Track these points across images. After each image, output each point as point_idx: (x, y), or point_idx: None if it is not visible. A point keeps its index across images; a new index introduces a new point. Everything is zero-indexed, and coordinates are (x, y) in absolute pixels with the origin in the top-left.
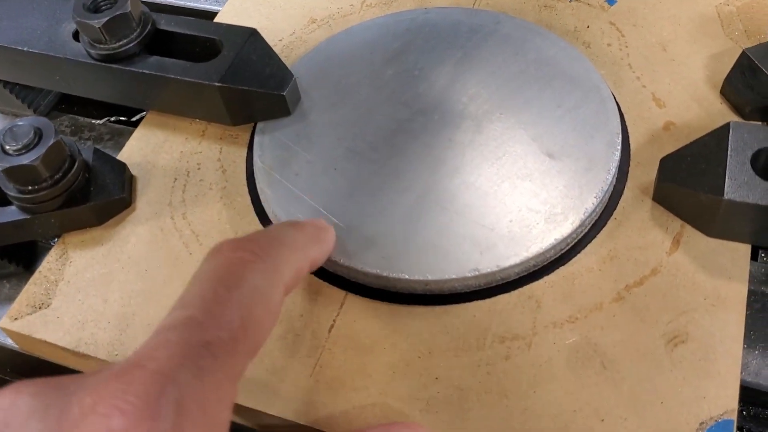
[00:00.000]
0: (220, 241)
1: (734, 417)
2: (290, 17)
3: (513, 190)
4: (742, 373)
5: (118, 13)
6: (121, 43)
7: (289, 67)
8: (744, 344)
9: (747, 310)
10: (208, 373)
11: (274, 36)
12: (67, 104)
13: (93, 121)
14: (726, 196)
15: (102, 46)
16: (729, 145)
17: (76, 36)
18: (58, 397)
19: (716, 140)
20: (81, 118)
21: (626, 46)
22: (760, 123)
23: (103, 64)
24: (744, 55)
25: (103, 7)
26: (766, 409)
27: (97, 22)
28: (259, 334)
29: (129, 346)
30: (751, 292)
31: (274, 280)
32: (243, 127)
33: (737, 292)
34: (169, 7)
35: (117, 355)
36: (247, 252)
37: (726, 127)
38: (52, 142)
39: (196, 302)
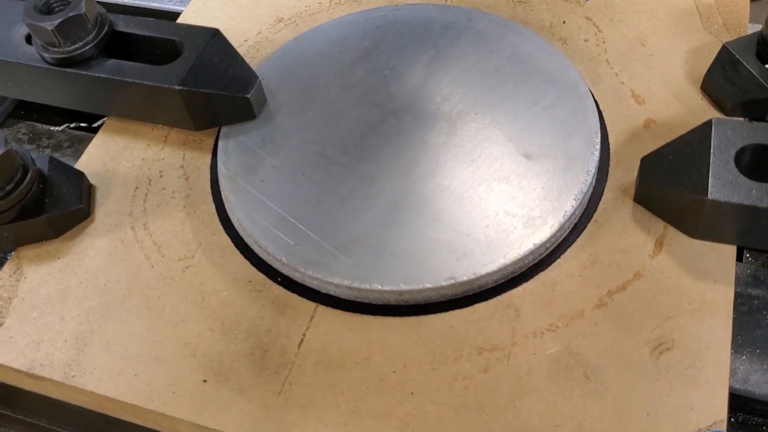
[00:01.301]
0: None
1: (723, 428)
2: (256, 16)
3: (489, 193)
4: (729, 379)
5: (71, 14)
6: (75, 45)
7: (254, 69)
8: (731, 349)
9: (733, 313)
10: None
11: (240, 36)
12: (25, 111)
13: (52, 127)
14: (710, 196)
15: (56, 49)
16: (712, 143)
17: (29, 39)
18: None
19: (698, 138)
20: (39, 125)
21: (604, 42)
22: (742, 119)
23: (58, 68)
24: (724, 50)
25: (56, 9)
26: (755, 416)
27: (50, 24)
28: None
29: (87, 366)
30: (737, 295)
31: None
32: (207, 132)
33: (723, 296)
34: (132, 8)
35: (74, 376)
36: None
37: (708, 124)
38: (1, 152)
39: None
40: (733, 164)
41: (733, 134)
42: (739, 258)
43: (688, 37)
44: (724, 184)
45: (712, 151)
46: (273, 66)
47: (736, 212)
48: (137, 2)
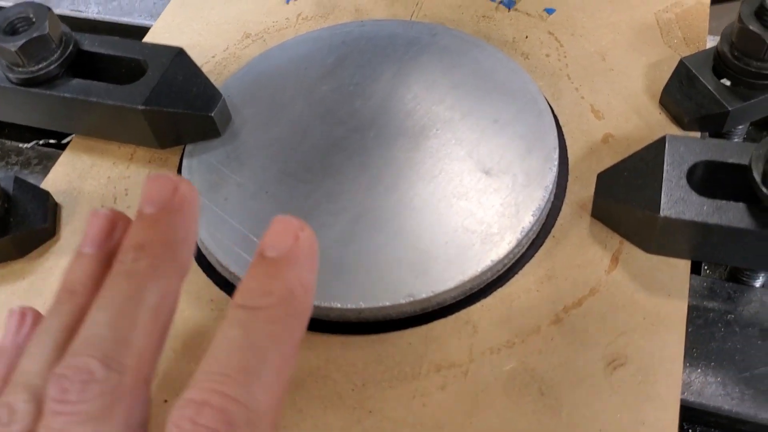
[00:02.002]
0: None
1: None
2: (224, 32)
3: (449, 209)
4: (685, 392)
5: (35, 35)
6: (40, 66)
7: (220, 85)
8: (686, 362)
9: (689, 326)
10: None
11: (207, 52)
12: None
13: (21, 144)
14: (662, 213)
15: (20, 69)
16: (665, 160)
17: None
18: None
19: (652, 154)
20: (8, 142)
21: (565, 56)
22: (698, 133)
23: (23, 88)
24: (681, 65)
25: (21, 29)
26: (711, 428)
27: (13, 45)
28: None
29: None
30: (693, 308)
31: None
32: (173, 150)
33: (677, 310)
34: (102, 23)
35: None
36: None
37: (662, 141)
38: None
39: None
40: (685, 181)
41: (686, 151)
42: (698, 271)
43: (647, 51)
44: (677, 200)
45: (665, 167)
46: (239, 82)
47: (687, 228)
48: (107, 17)
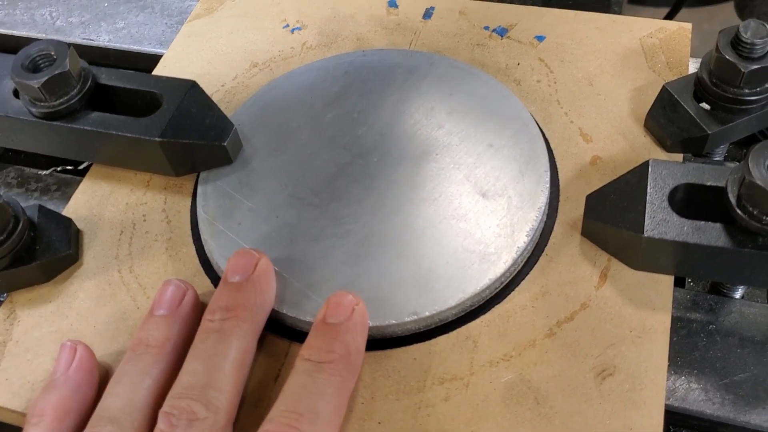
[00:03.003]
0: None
1: None
2: (232, 62)
3: (449, 230)
4: (670, 398)
5: (57, 72)
6: (61, 100)
7: (230, 114)
8: (672, 370)
9: (674, 336)
10: None
11: (216, 81)
12: (13, 153)
13: (40, 171)
14: (646, 234)
15: (42, 104)
16: (648, 183)
17: (16, 93)
18: None
19: (636, 178)
20: (27, 169)
21: (555, 82)
22: (681, 155)
23: (45, 121)
24: (664, 90)
25: (42, 66)
26: (694, 431)
27: (36, 82)
28: None
29: None
30: (677, 319)
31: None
32: (187, 176)
33: (661, 323)
34: (114, 51)
35: None
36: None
37: (645, 165)
38: None
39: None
40: (666, 203)
41: (667, 174)
42: (682, 284)
43: (633, 76)
44: (659, 222)
45: (648, 190)
46: (248, 111)
47: (669, 247)
48: (117, 45)
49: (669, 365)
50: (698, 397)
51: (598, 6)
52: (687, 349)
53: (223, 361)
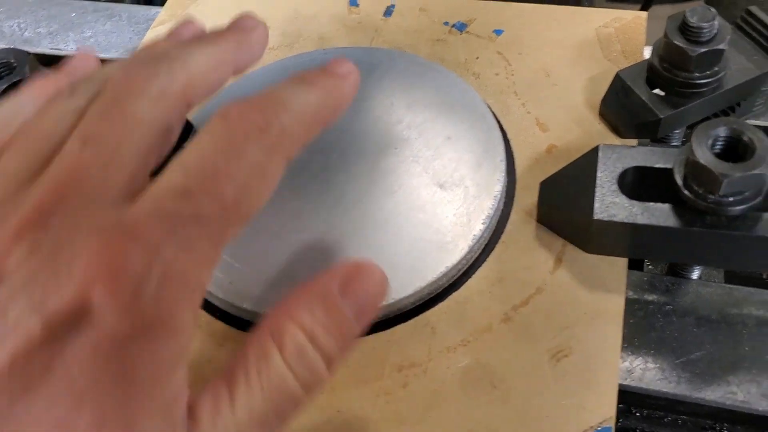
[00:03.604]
0: (228, 105)
1: (612, 424)
2: None
3: (408, 222)
4: (627, 379)
5: (16, 80)
6: None
7: (190, 116)
8: (629, 351)
9: (631, 318)
10: (195, 244)
11: None
12: None
13: None
14: (595, 217)
15: None
16: (598, 167)
17: None
18: (51, 242)
19: (587, 163)
20: None
21: (512, 75)
22: (635, 140)
23: None
24: (617, 78)
25: (2, 74)
26: (655, 410)
27: None
28: (252, 206)
29: None
30: (634, 301)
31: (274, 155)
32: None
33: (615, 304)
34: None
35: None
36: (252, 124)
37: (595, 150)
38: None
39: (193, 172)
40: (616, 186)
41: (617, 157)
42: (641, 267)
43: (589, 66)
44: (608, 204)
45: (598, 174)
46: (208, 113)
47: (619, 229)
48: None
49: (626, 346)
50: (655, 376)
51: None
52: (644, 330)
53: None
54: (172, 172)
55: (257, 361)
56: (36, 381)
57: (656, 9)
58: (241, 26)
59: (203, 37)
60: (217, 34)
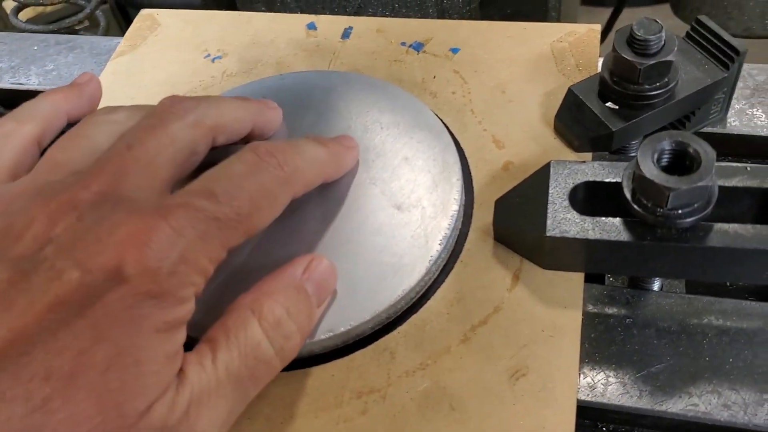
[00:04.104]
0: (259, 142)
1: None
2: (155, 95)
3: (365, 245)
4: (589, 394)
5: None
6: None
7: None
8: (590, 366)
9: (592, 332)
10: (209, 238)
11: None
12: None
13: None
14: (548, 233)
15: None
16: (550, 184)
17: None
18: (95, 216)
19: (539, 179)
20: None
21: (469, 93)
22: (590, 154)
23: None
24: (570, 92)
25: None
26: (619, 425)
27: None
28: (259, 222)
29: None
30: (595, 315)
31: (285, 187)
32: None
33: (572, 320)
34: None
35: None
36: (274, 161)
37: (547, 167)
38: None
39: (222, 183)
40: (567, 202)
41: (568, 173)
42: (602, 280)
43: (544, 81)
44: (560, 221)
45: (550, 191)
46: None
47: (572, 245)
48: (48, 87)
49: (588, 361)
50: (616, 390)
51: (536, 13)
52: (604, 344)
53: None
54: (205, 180)
55: (236, 328)
56: (68, 319)
57: (632, 12)
58: (264, 103)
59: (235, 97)
60: (244, 99)
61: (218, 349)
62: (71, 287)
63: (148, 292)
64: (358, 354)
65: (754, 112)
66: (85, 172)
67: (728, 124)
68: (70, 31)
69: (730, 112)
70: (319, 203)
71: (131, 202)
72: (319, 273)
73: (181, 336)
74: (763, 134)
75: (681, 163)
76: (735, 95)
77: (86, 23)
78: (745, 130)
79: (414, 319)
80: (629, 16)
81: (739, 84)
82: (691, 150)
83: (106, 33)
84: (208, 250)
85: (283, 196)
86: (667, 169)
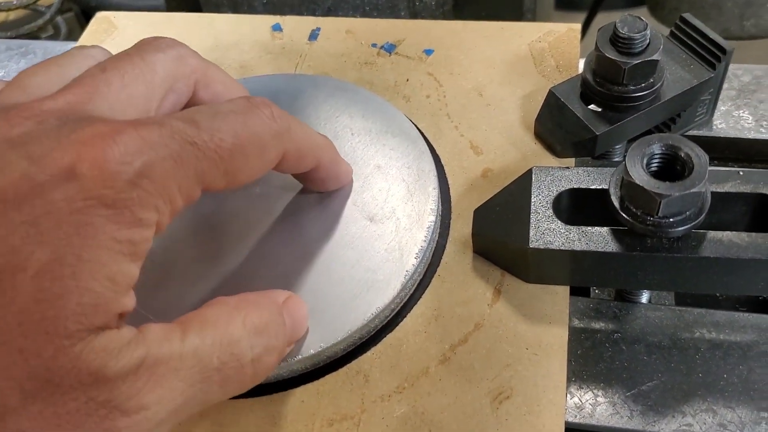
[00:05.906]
0: (262, 98)
1: None
2: None
3: (335, 261)
4: (577, 416)
5: None
6: None
7: None
8: (577, 385)
9: (578, 348)
10: (183, 162)
11: None
12: None
13: None
14: (531, 245)
15: None
16: (532, 192)
17: None
18: (59, 123)
19: (520, 188)
20: None
21: (444, 96)
22: (572, 160)
23: None
24: (551, 94)
25: None
26: None
27: None
28: (241, 170)
29: None
30: (581, 330)
31: (275, 141)
32: None
33: (558, 337)
34: None
35: None
36: (268, 111)
37: (528, 174)
38: None
39: (207, 114)
40: (551, 211)
41: (551, 181)
42: (587, 293)
43: (523, 83)
44: (544, 231)
45: (532, 199)
46: None
47: (557, 257)
48: None
49: (575, 380)
50: (606, 411)
51: (510, 14)
52: (592, 361)
53: None
54: (191, 110)
55: (216, 320)
56: (4, 211)
57: (607, 15)
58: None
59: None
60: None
61: (190, 330)
62: (13, 178)
63: (101, 198)
64: (330, 377)
65: (741, 114)
66: (58, 92)
67: (714, 127)
68: (32, 37)
69: (716, 114)
70: (287, 214)
71: (103, 116)
72: (296, 311)
73: (133, 270)
74: (750, 137)
75: (672, 168)
76: (720, 97)
77: (50, 31)
78: (732, 133)
79: (389, 338)
80: (604, 20)
81: (725, 85)
82: (682, 154)
83: (68, 39)
84: (179, 175)
85: (272, 149)
86: (658, 175)
